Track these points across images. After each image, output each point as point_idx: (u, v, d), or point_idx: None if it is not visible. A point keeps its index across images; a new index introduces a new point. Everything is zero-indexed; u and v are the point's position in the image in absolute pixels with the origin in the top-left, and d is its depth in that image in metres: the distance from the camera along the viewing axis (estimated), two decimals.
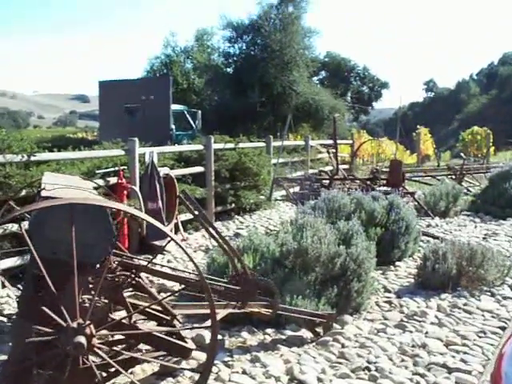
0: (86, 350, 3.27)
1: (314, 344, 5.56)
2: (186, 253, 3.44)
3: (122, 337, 3.92)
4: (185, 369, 4.50)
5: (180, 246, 3.46)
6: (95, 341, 3.34)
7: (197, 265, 3.41)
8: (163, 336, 3.81)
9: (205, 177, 11.48)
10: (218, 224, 11.13)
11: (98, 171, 8.80)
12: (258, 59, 26.75)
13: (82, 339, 3.24)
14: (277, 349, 5.37)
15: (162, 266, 5.51)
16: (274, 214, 12.94)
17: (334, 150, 14.96)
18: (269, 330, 5.76)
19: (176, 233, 9.91)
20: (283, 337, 5.68)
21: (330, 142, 19.39)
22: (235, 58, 29.10)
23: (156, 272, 4.99)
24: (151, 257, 7.38)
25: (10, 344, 4.49)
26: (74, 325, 3.28)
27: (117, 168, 8.94)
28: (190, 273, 5.37)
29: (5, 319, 6.21)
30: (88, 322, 3.30)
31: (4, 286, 6.99)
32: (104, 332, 3.41)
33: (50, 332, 3.35)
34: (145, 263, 4.73)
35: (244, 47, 28.75)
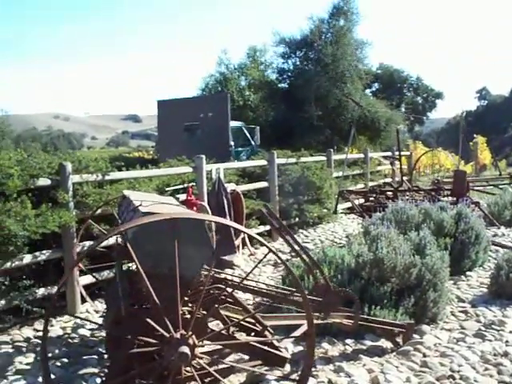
0: (189, 360, 3.38)
1: (394, 354, 5.59)
2: (286, 265, 3.53)
3: (215, 347, 4.04)
4: (286, 378, 4.57)
5: (278, 257, 3.55)
6: (197, 351, 3.45)
7: (297, 279, 3.49)
8: (260, 346, 3.91)
9: (269, 191, 11.59)
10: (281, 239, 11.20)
11: (167, 188, 8.96)
12: (311, 73, 26.76)
13: (186, 349, 3.35)
14: (358, 359, 5.42)
15: (249, 280, 5.57)
16: (338, 227, 12.96)
17: (397, 162, 14.92)
18: (348, 341, 5.81)
19: (243, 247, 10.03)
20: (363, 347, 5.72)
21: (389, 153, 19.35)
22: (289, 74, 29.21)
23: (247, 288, 5.12)
24: (220, 270, 7.54)
25: (107, 357, 4.65)
26: (178, 335, 3.39)
27: (186, 185, 9.09)
28: (273, 286, 5.45)
29: (88, 333, 6.39)
30: (190, 333, 3.41)
31: (84, 301, 7.19)
32: (206, 342, 3.52)
33: (154, 343, 3.46)
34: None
35: (297, 62, 28.85)
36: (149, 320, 3.38)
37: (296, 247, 5.34)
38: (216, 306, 4.05)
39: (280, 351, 4.01)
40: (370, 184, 16.41)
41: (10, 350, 5.91)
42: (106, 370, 4.64)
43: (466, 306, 7.07)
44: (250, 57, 31.63)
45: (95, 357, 5.64)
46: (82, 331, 6.44)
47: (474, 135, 36.01)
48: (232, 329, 4.07)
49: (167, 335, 3.39)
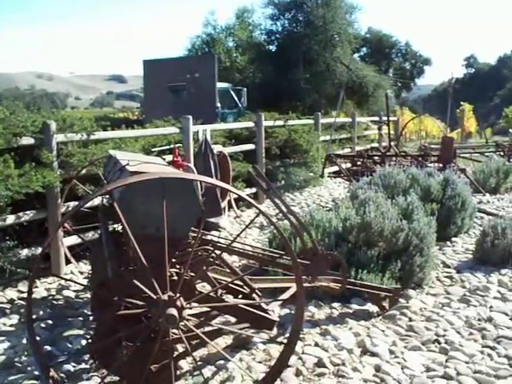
0: (177, 322, 3.32)
1: (380, 318, 5.61)
2: (276, 227, 3.47)
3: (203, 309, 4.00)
4: (273, 341, 4.54)
5: (268, 219, 3.49)
6: (185, 313, 3.39)
7: (287, 241, 3.44)
8: (249, 308, 3.87)
9: (255, 154, 11.50)
10: (268, 201, 11.14)
11: (154, 149, 8.85)
12: (300, 36, 26.54)
13: (173, 311, 3.29)
14: (345, 322, 5.43)
15: (236, 242, 5.51)
16: (324, 191, 12.94)
17: (385, 127, 14.87)
18: (335, 304, 5.82)
19: (229, 210, 9.97)
20: (350, 310, 5.73)
21: (377, 118, 19.31)
22: (278, 36, 28.90)
23: (236, 251, 5.07)
24: (207, 233, 7.49)
25: (93, 319, 4.60)
26: (165, 297, 3.34)
27: (172, 146, 8.98)
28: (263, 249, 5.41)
29: (73, 295, 6.34)
30: (178, 295, 3.35)
31: (68, 263, 7.12)
32: (194, 304, 3.46)
33: (141, 305, 3.41)
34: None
35: (286, 24, 28.52)
36: (136, 281, 3.32)
37: (284, 209, 5.27)
38: (204, 267, 3.99)
39: (268, 314, 3.97)
40: (357, 148, 16.38)
41: None
42: (92, 332, 4.60)
43: (451, 272, 7.11)
44: (239, 17, 31.22)
45: (80, 318, 5.60)
46: (66, 293, 6.40)
47: (461, 102, 36.06)
48: (220, 291, 4.03)
49: (154, 297, 3.34)
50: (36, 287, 6.55)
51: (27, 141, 6.65)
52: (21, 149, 6.69)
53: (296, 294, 3.72)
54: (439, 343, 4.99)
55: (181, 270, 3.67)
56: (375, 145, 18.14)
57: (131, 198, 3.55)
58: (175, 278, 3.60)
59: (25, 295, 6.32)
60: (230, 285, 4.32)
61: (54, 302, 6.21)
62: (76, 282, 5.40)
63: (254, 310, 3.89)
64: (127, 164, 4.03)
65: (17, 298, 6.28)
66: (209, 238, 5.33)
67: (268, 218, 3.50)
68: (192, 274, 3.74)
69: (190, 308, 3.54)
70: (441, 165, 12.20)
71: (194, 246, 3.58)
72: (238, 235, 3.66)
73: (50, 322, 5.57)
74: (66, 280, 6.20)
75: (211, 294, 3.74)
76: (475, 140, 30.66)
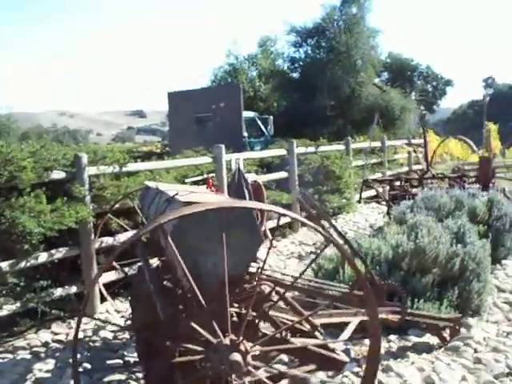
0: (242, 369, 2.95)
1: (443, 350, 5.21)
2: (354, 265, 3.12)
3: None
4: None
5: (353, 249, 3.14)
6: (249, 358, 3.02)
7: (361, 274, 3.10)
8: (316, 349, 3.49)
9: (287, 182, 11.20)
10: (304, 230, 10.80)
11: (187, 180, 8.58)
12: (324, 62, 26.28)
13: (237, 357, 2.93)
14: (406, 356, 5.06)
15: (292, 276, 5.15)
16: (359, 218, 12.56)
17: (421, 150, 14.51)
18: (392, 337, 5.44)
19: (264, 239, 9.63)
20: (409, 343, 5.35)
21: (405, 141, 19.04)
22: (301, 63, 28.58)
23: (300, 288, 4.71)
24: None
25: (142, 367, 4.25)
26: (227, 341, 2.98)
27: (205, 176, 8.71)
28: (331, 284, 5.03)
29: (110, 336, 6.01)
30: (241, 338, 2.99)
31: (103, 301, 6.81)
32: (258, 348, 3.09)
33: (198, 351, 3.05)
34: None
35: (309, 51, 28.31)
36: (193, 324, 2.96)
37: (334, 236, 4.90)
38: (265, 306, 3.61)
39: (337, 354, 3.59)
40: (389, 173, 16.03)
41: (28, 356, 5.55)
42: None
43: (507, 297, 6.73)
44: (261, 46, 31.11)
45: (120, 361, 5.28)
46: (103, 333, 6.07)
47: (486, 122, 35.59)
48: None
49: (214, 341, 2.98)
50: (70, 328, 6.25)
51: (58, 175, 6.39)
52: (52, 183, 6.41)
53: (371, 333, 3.33)
54: None
55: (240, 309, 3.32)
56: (405, 168, 17.79)
57: (185, 230, 3.21)
58: (235, 318, 3.25)
59: (59, 337, 6.05)
60: (289, 322, 3.93)
61: (91, 343, 5.89)
62: (110, 323, 5.09)
63: (322, 351, 3.51)
64: (176, 194, 3.71)
65: (51, 340, 5.99)
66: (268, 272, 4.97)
67: (336, 245, 3.16)
68: (253, 314, 3.37)
69: (255, 352, 3.16)
70: (479, 185, 11.78)
71: (258, 282, 3.23)
72: (303, 273, 3.34)
73: (88, 365, 5.25)
74: (102, 321, 5.88)
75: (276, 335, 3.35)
76: (502, 159, 30.11)
